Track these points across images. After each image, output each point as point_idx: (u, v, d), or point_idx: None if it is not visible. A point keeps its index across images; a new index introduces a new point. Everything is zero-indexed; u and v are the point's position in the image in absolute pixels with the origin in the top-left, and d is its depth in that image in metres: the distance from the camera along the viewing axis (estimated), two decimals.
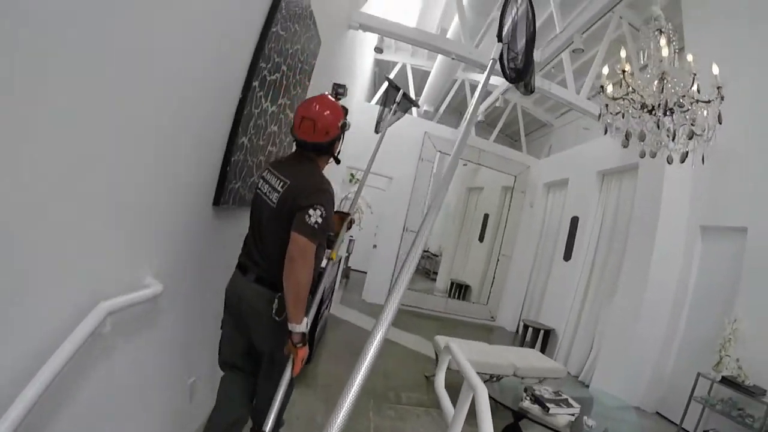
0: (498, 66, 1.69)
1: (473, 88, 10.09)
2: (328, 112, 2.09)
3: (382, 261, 8.58)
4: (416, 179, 8.69)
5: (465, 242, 11.02)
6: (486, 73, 1.58)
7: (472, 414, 1.45)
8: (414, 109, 8.98)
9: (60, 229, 1.22)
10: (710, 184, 5.25)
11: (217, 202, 2.25)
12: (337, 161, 2.29)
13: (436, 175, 8.98)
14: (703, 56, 2.93)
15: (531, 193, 9.44)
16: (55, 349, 1.18)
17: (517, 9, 1.74)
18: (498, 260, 9.38)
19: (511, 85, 2.07)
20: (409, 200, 8.63)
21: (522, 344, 7.73)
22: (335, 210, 2.26)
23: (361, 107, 7.45)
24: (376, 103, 8.55)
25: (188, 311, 2.30)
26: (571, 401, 3.56)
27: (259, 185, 2.13)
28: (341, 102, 2.24)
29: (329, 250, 2.52)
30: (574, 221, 7.71)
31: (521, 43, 1.77)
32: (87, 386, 1.46)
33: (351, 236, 8.95)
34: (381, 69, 10.91)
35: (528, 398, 3.57)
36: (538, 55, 5.41)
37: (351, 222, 2.76)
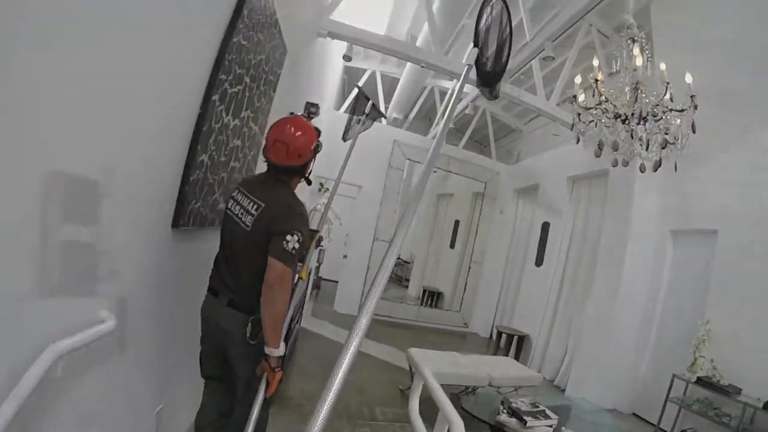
0: (473, 72, 1.65)
1: (443, 95, 10.08)
2: (300, 133, 2.08)
3: (354, 271, 8.46)
4: (386, 187, 8.61)
5: (436, 249, 10.99)
6: (461, 79, 1.52)
7: None
8: (383, 117, 8.92)
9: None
10: (680, 188, 5.34)
11: (176, 224, 2.10)
12: (309, 182, 2.29)
13: (405, 183, 8.92)
14: (672, 64, 2.94)
15: (501, 199, 9.48)
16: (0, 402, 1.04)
17: (491, 12, 1.69)
18: (470, 267, 9.37)
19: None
20: (379, 209, 8.54)
21: (496, 351, 7.73)
22: None
23: (330, 116, 7.33)
24: (345, 111, 8.46)
25: (150, 340, 2.17)
26: (548, 412, 3.52)
27: (230, 206, 2.11)
28: (314, 121, 2.22)
29: (300, 264, 2.46)
30: (545, 227, 7.76)
31: (493, 47, 1.73)
32: None
33: (321, 246, 8.79)
34: (350, 76, 10.81)
35: (505, 411, 3.52)
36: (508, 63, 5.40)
37: (320, 239, 2.72)
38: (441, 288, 10.11)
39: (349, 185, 8.06)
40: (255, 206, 2.01)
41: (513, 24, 1.90)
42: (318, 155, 2.27)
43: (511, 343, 7.51)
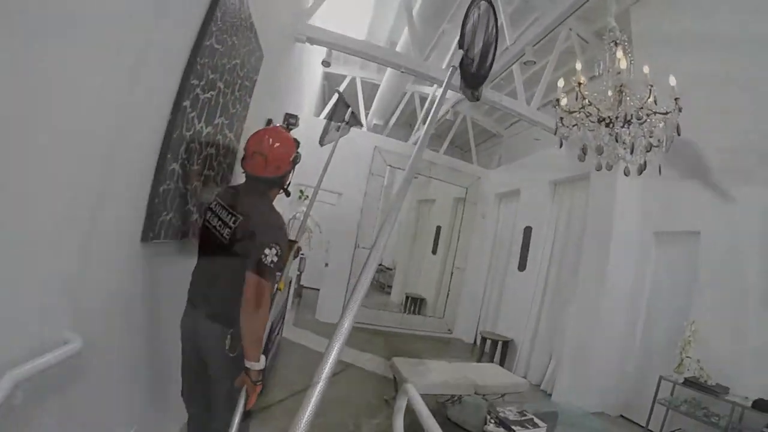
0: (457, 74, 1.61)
1: (423, 100, 10.06)
2: (279, 145, 2.11)
3: (335, 279, 8.33)
4: (366, 194, 8.52)
5: (418, 255, 10.94)
6: (446, 79, 1.47)
7: None
8: (364, 123, 8.85)
9: None
10: (662, 190, 5.36)
11: (145, 237, 1.99)
12: (287, 193, 2.29)
13: (386, 189, 8.86)
14: (654, 67, 2.93)
15: (483, 204, 9.46)
16: None
17: (478, 13, 1.64)
18: (452, 273, 9.33)
19: (461, 97, 2.05)
20: (360, 216, 8.44)
21: (481, 356, 7.68)
22: None
23: (310, 122, 7.23)
24: (325, 118, 8.36)
25: (121, 360, 2.05)
26: (536, 420, 3.48)
27: (208, 217, 2.11)
28: (293, 131, 2.24)
29: (279, 273, 2.41)
30: (528, 231, 7.75)
31: (478, 47, 1.69)
32: None
33: (302, 254, 8.69)
34: (330, 82, 10.72)
35: (492, 421, 3.45)
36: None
37: (298, 249, 2.71)
38: (424, 294, 10.04)
39: (329, 192, 7.97)
40: (232, 218, 2.00)
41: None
42: (298, 163, 2.25)
43: (496, 349, 7.46)
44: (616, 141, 2.89)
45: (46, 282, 1.40)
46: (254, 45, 2.88)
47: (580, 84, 2.99)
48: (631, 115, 2.79)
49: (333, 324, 7.57)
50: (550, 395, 5.96)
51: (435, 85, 7.54)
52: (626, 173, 3.08)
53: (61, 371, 1.46)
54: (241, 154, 2.38)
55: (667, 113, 2.76)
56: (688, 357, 4.39)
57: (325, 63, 6.60)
